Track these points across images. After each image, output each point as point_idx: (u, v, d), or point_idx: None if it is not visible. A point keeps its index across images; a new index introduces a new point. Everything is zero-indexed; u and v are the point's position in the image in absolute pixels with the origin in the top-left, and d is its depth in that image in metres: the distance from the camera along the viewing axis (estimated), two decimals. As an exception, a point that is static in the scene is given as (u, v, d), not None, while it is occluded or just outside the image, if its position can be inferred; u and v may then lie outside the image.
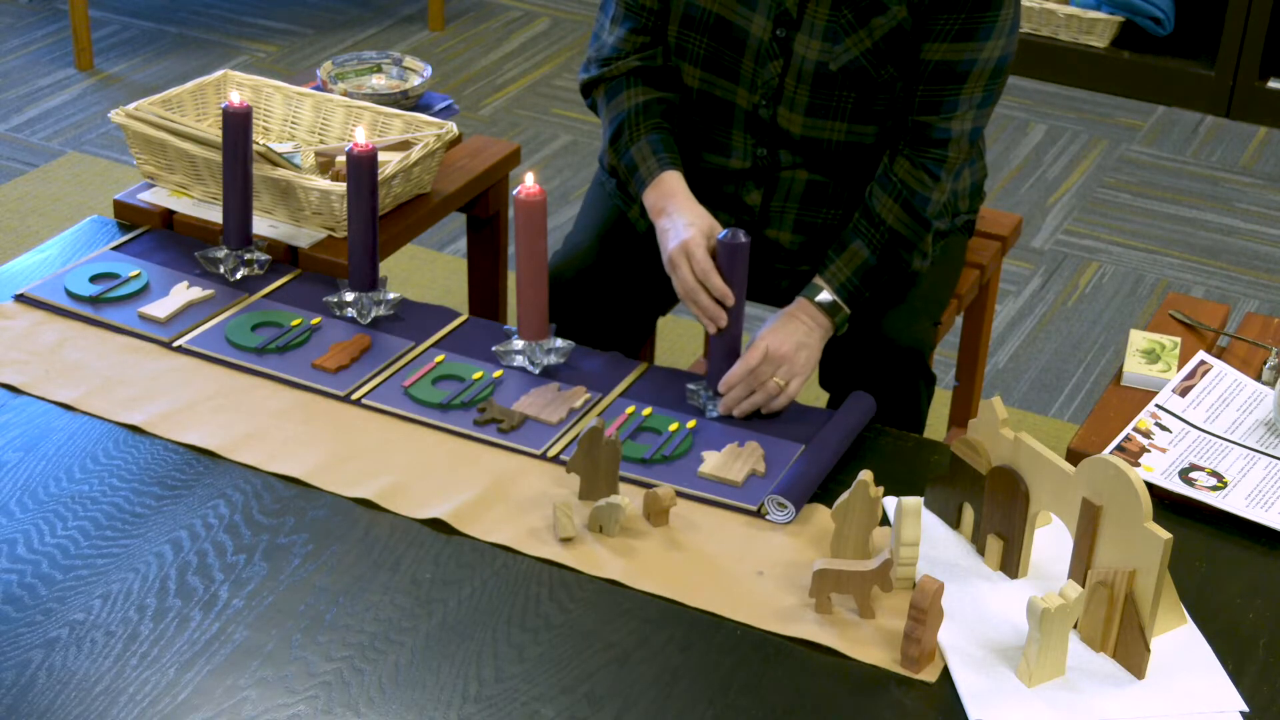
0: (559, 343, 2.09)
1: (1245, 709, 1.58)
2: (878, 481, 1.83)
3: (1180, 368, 2.09)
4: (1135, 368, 2.09)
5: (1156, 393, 2.05)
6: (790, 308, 2.12)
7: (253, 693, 1.56)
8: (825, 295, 2.12)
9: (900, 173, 2.15)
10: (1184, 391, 2.04)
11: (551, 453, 1.92)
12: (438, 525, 1.79)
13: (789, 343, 2.05)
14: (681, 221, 2.10)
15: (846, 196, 2.25)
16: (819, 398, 3.13)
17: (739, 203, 2.27)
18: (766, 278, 2.33)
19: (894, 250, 2.16)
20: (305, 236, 2.33)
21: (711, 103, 2.23)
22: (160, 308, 2.14)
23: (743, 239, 1.94)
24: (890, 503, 1.83)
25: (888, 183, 2.16)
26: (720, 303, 2.02)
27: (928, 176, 2.15)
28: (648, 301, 2.41)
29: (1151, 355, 2.11)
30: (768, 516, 1.83)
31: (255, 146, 2.28)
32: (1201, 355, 2.10)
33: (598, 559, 1.75)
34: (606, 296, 2.33)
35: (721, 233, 1.97)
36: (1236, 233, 4.01)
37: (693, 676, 1.60)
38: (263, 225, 2.34)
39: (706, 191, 2.26)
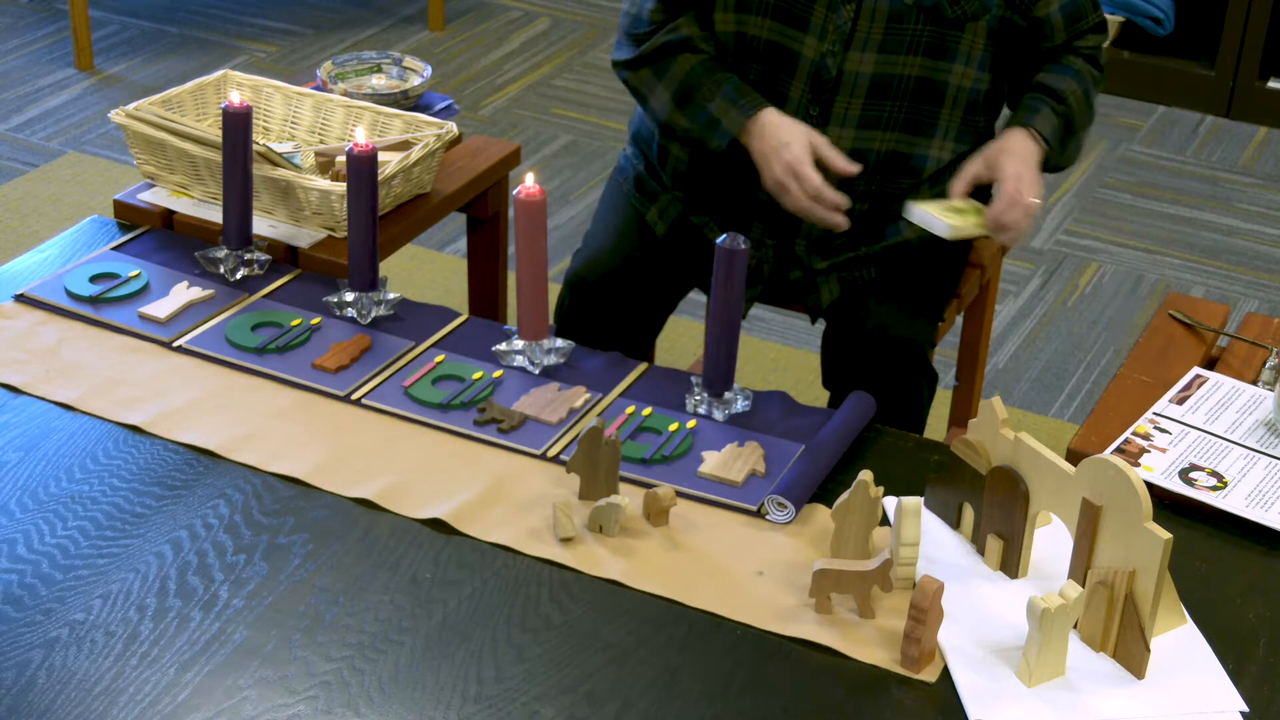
0: (559, 343, 2.09)
1: (1245, 709, 1.58)
2: (878, 481, 1.83)
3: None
4: (925, 208, 2.18)
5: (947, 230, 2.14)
6: (1013, 139, 2.22)
7: (253, 693, 1.56)
8: (1037, 128, 2.24)
9: (1078, 65, 2.27)
10: (1181, 401, 2.03)
11: (551, 453, 1.92)
12: (438, 525, 1.79)
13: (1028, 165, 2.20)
14: (778, 142, 2.17)
15: (887, 160, 2.28)
16: (819, 398, 3.13)
17: None
18: (780, 271, 2.34)
19: (1069, 130, 2.27)
20: (305, 236, 2.33)
21: (777, 53, 2.25)
22: (160, 308, 2.14)
23: (742, 245, 1.94)
24: (890, 503, 1.83)
25: (1068, 69, 2.27)
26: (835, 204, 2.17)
27: (1099, 74, 2.30)
28: (662, 300, 2.43)
29: (951, 207, 2.20)
30: (768, 516, 1.83)
31: (255, 146, 2.28)
32: (1196, 370, 2.09)
33: (598, 559, 1.75)
34: (628, 298, 2.34)
35: (720, 237, 1.96)
36: (1236, 233, 4.01)
37: (693, 676, 1.60)
38: (263, 225, 2.34)
39: (749, 161, 2.27)
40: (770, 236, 2.32)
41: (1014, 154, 2.19)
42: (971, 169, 2.20)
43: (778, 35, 2.23)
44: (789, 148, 2.17)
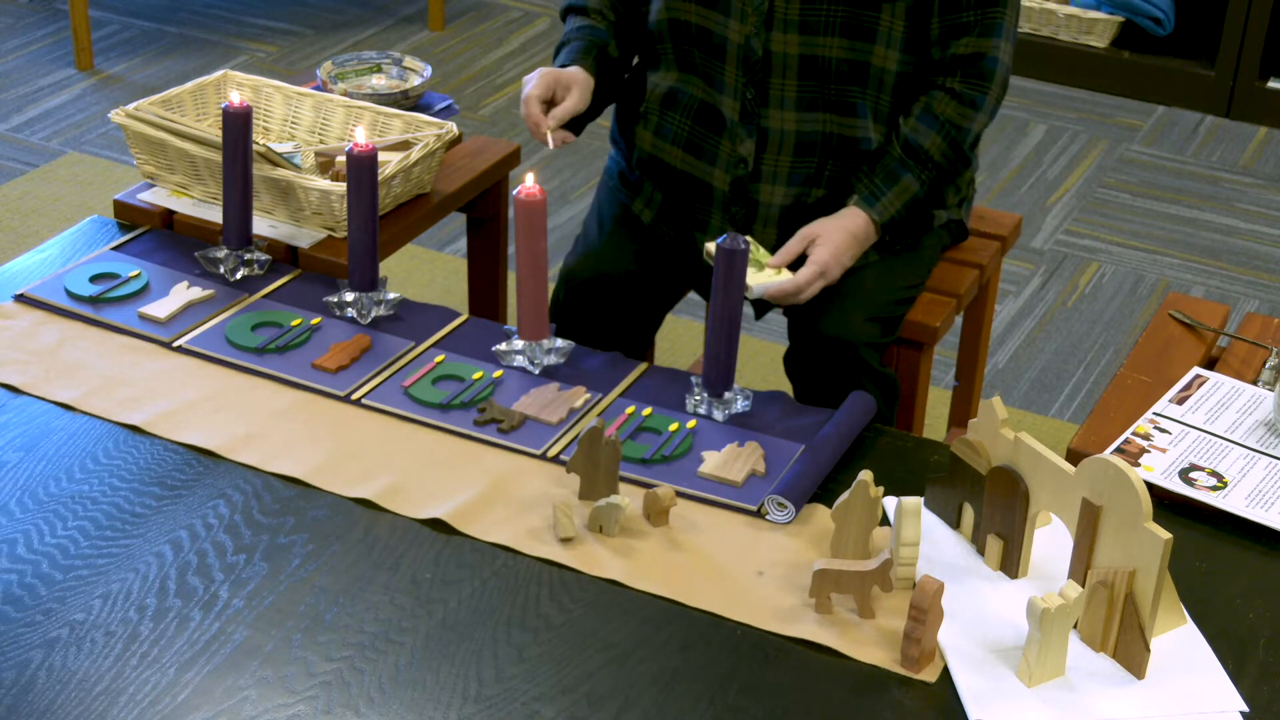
0: (559, 343, 2.09)
1: (1245, 709, 1.58)
2: (878, 481, 1.83)
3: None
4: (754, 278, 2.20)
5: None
6: (849, 216, 2.23)
7: (253, 693, 1.56)
8: (875, 216, 2.25)
9: (946, 111, 2.23)
10: (1181, 401, 2.03)
11: (551, 453, 1.92)
12: (438, 525, 1.79)
13: (832, 246, 2.20)
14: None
15: (836, 143, 2.28)
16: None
17: (733, 155, 2.30)
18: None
19: (939, 185, 2.26)
20: (305, 236, 2.33)
21: (707, 38, 2.28)
22: (160, 308, 2.14)
23: (742, 245, 1.94)
24: (890, 503, 1.83)
25: (933, 120, 2.23)
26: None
27: (971, 110, 2.24)
28: (657, 297, 2.43)
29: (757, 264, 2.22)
30: (768, 516, 1.83)
31: (255, 146, 2.28)
32: (1196, 370, 2.09)
33: (598, 559, 1.75)
34: (621, 294, 2.34)
35: (720, 237, 1.97)
36: (1236, 233, 4.01)
37: (693, 676, 1.60)
38: (263, 225, 2.34)
39: (703, 147, 2.30)
40: (729, 225, 2.33)
41: (837, 241, 2.22)
42: (798, 245, 2.22)
43: (703, 19, 2.28)
44: (529, 82, 2.28)
